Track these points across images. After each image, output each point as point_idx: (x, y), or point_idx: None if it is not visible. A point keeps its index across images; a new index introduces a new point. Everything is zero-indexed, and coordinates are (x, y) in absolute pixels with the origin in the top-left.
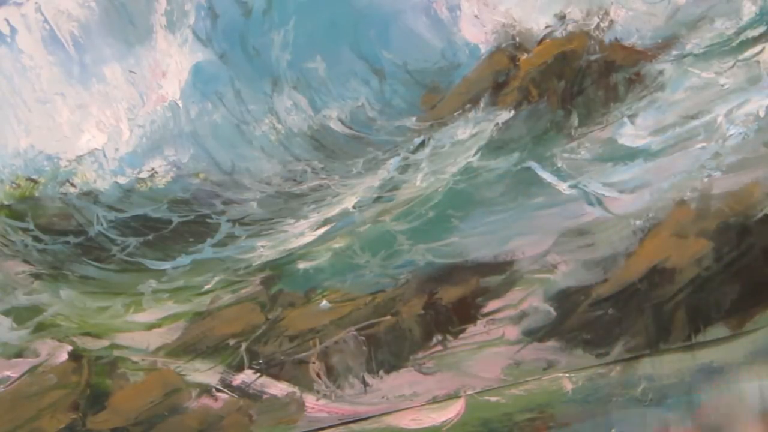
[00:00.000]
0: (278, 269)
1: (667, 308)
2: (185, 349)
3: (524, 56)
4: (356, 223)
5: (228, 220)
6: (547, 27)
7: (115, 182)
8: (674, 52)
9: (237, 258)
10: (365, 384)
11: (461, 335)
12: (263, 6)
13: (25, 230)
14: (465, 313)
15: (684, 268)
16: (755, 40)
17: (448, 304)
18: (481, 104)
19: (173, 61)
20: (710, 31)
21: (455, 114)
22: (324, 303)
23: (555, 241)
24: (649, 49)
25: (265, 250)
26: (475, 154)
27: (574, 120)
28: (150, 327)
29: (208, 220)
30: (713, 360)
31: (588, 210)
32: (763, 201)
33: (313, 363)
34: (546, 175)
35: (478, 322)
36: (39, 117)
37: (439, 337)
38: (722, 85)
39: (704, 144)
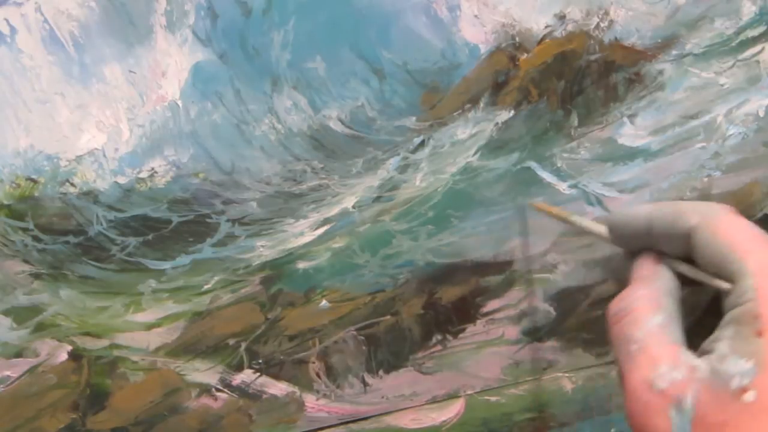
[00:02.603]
0: (278, 269)
1: None
2: (185, 348)
3: (524, 56)
4: (356, 223)
5: (227, 220)
6: (546, 27)
7: (115, 182)
8: (674, 52)
9: (236, 258)
10: (365, 384)
11: (461, 335)
12: (263, 6)
13: (25, 230)
14: (464, 312)
15: None
16: (755, 40)
17: (447, 303)
18: (481, 104)
19: (173, 61)
20: (710, 31)
21: (455, 114)
22: (324, 303)
23: (555, 241)
24: (649, 49)
25: (264, 249)
26: (475, 153)
27: (574, 120)
28: (150, 327)
29: (208, 220)
30: None
31: (588, 210)
32: (763, 201)
33: (313, 363)
34: (546, 175)
35: (478, 321)
36: (39, 117)
37: (439, 337)
38: (722, 85)
39: (704, 144)
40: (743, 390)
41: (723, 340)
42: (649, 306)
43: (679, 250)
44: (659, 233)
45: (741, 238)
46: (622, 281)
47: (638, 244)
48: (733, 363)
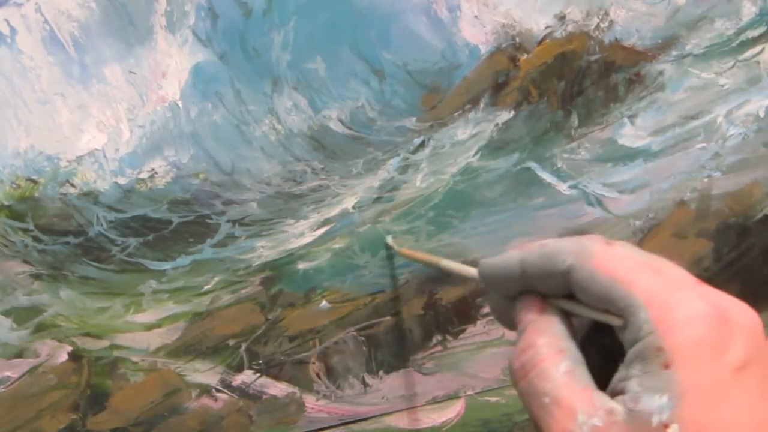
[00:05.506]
0: (278, 270)
1: None
2: (185, 349)
3: (524, 57)
4: (356, 224)
5: (228, 221)
6: (547, 27)
7: (115, 183)
8: (674, 53)
9: (237, 258)
10: (365, 384)
11: (461, 336)
12: (263, 6)
13: (25, 231)
14: (465, 313)
15: (684, 268)
16: (755, 41)
17: (447, 304)
18: (481, 105)
19: (173, 61)
20: (710, 31)
21: (455, 114)
22: (324, 303)
23: None
24: (649, 49)
25: (264, 250)
26: (475, 154)
27: (574, 120)
28: (150, 327)
29: (208, 221)
30: None
31: (588, 210)
32: (763, 201)
33: (313, 363)
34: (546, 176)
35: (478, 322)
36: (39, 117)
37: (439, 338)
38: (722, 86)
39: (704, 144)
40: (665, 425)
41: (632, 378)
42: (552, 355)
43: (559, 290)
44: (535, 277)
45: (622, 270)
46: (506, 323)
47: (515, 288)
48: (648, 400)
